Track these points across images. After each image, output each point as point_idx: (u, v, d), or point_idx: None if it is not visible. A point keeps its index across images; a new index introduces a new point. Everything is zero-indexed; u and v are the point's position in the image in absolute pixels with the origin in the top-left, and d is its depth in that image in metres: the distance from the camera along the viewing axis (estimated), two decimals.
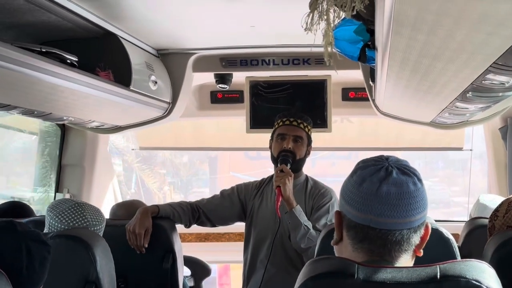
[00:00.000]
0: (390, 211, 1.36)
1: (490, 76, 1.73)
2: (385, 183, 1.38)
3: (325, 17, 1.48)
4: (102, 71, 2.81)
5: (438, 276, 1.30)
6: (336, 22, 1.57)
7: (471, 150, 4.46)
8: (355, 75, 3.57)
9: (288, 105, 3.81)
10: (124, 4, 2.54)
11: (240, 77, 3.85)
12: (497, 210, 2.16)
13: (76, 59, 2.51)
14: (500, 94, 2.00)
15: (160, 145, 5.22)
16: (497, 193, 3.90)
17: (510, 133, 3.74)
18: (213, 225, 3.26)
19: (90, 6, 2.55)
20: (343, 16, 1.60)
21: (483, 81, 1.81)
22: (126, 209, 3.03)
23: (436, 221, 3.11)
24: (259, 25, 2.92)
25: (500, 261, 1.94)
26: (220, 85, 3.83)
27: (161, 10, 2.67)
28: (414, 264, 1.44)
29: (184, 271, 3.15)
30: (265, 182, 3.24)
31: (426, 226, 1.44)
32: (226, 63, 3.64)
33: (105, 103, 2.89)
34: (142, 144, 4.95)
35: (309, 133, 3.14)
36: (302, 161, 3.12)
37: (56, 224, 2.32)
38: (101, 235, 2.41)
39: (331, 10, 1.59)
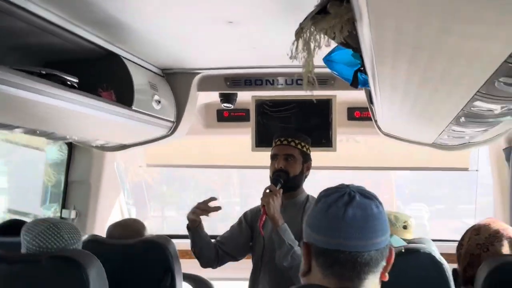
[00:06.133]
0: (358, 233, 1.39)
1: (477, 103, 1.73)
2: (350, 207, 1.40)
3: (306, 46, 1.50)
4: (104, 91, 2.84)
5: None
6: (317, 51, 1.59)
7: (477, 170, 4.44)
8: (360, 95, 3.57)
9: (293, 124, 3.83)
10: (128, 26, 2.57)
11: (246, 96, 3.87)
12: (462, 239, 2.15)
13: (77, 81, 2.55)
14: (491, 120, 1.99)
15: (167, 162, 5.25)
16: (502, 215, 3.87)
17: None
18: (235, 259, 3.24)
19: (93, 28, 2.60)
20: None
21: (472, 108, 1.81)
22: (122, 228, 2.98)
23: (434, 240, 3.09)
24: (260, 46, 2.94)
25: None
26: (224, 104, 3.86)
27: (165, 32, 2.70)
28: None
29: None
30: None
31: (390, 250, 1.46)
32: (230, 82, 3.67)
33: (108, 123, 2.92)
34: (149, 161, 4.99)
35: (304, 149, 3.11)
36: (297, 179, 3.09)
37: (33, 247, 2.27)
38: None
39: (320, 37, 1.61)
